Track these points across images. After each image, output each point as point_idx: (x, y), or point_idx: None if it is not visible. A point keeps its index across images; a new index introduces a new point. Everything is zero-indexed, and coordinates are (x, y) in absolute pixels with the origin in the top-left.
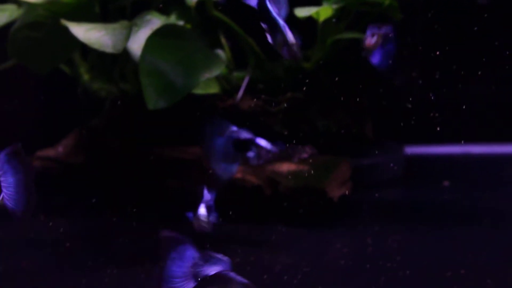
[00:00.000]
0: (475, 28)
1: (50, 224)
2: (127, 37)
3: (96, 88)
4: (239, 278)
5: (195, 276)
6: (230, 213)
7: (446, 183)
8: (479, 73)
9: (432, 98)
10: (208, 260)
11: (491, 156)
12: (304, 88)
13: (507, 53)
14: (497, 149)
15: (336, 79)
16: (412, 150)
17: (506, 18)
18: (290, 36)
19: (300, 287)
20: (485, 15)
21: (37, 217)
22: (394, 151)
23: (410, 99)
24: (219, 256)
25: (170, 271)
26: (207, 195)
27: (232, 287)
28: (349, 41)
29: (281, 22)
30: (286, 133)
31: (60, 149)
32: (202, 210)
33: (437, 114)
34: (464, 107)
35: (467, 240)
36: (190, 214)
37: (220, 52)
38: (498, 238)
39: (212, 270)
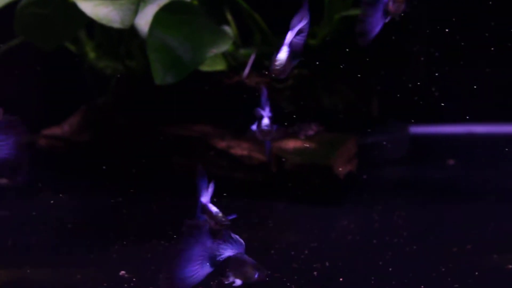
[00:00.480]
0: (481, 6)
1: (57, 202)
2: (135, 13)
3: (102, 66)
4: (252, 261)
5: (211, 259)
6: (237, 190)
7: (451, 161)
8: (485, 51)
9: (437, 77)
10: (225, 240)
11: (494, 136)
12: (311, 65)
13: None
14: (500, 129)
15: (343, 56)
16: (416, 129)
17: None
18: (280, 55)
19: (308, 262)
20: None
21: (44, 195)
22: (399, 130)
23: (415, 78)
24: (236, 237)
25: (187, 256)
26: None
27: (246, 270)
28: (356, 18)
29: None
30: (292, 110)
31: (66, 127)
32: (214, 208)
33: (437, 93)
34: (468, 86)
35: (473, 216)
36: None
37: (227, 28)
38: (503, 214)
39: (228, 252)
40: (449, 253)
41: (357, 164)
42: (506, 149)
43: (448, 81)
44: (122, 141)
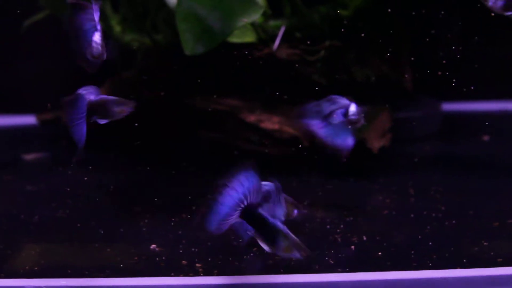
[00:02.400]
0: None
1: (86, 176)
2: None
3: (128, 40)
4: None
5: None
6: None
7: (486, 137)
8: None
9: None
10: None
11: None
12: (343, 36)
13: None
14: None
15: (376, 27)
16: (449, 106)
17: None
18: None
19: (344, 236)
20: None
21: (73, 170)
22: (432, 106)
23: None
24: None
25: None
26: None
27: None
28: None
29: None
30: (324, 82)
31: None
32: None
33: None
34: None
35: None
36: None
37: None
38: None
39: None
40: (490, 227)
41: (391, 138)
42: None
43: (483, 57)
44: (148, 115)
